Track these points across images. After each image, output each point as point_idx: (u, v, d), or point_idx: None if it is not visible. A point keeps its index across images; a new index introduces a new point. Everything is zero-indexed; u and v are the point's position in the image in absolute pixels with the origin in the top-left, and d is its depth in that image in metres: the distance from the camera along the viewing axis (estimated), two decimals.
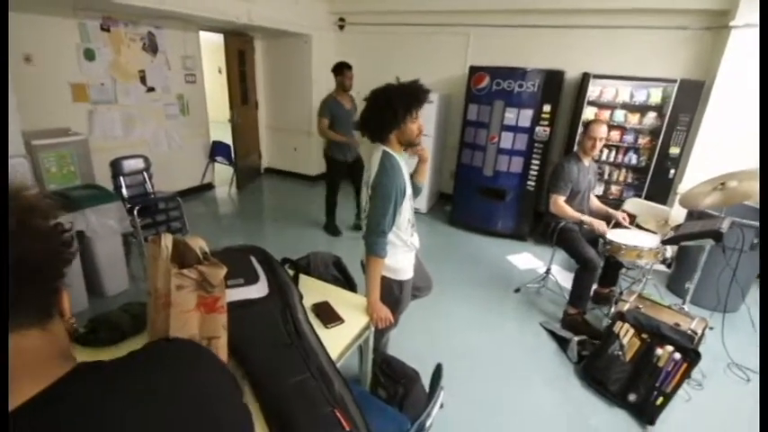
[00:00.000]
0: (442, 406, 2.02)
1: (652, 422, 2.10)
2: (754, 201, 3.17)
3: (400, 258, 1.85)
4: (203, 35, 5.02)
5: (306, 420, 0.98)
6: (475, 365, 2.48)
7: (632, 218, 3.13)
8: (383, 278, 1.79)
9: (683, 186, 3.65)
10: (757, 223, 2.87)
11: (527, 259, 3.91)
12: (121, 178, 3.44)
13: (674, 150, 3.66)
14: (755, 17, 3.33)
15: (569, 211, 2.79)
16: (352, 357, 1.86)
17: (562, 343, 2.66)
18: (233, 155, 5.40)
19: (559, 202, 2.79)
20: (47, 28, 3.56)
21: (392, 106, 1.64)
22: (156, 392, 0.48)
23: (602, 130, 2.70)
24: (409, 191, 1.77)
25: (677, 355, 2.09)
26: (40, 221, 0.45)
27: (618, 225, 2.91)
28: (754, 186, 2.40)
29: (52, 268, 0.46)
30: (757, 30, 3.34)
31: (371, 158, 1.76)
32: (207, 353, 0.60)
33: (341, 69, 3.88)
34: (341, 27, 5.62)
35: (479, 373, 2.43)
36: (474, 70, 4.13)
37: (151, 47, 4.39)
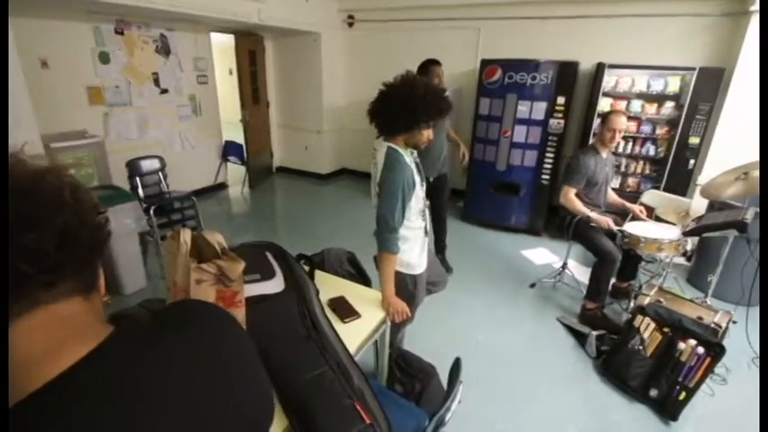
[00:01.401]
0: (459, 401, 2.02)
1: (675, 418, 2.05)
2: None
3: (414, 253, 1.84)
4: (214, 37, 5.07)
5: (325, 413, 0.98)
6: (491, 361, 2.46)
7: (650, 210, 3.06)
8: (397, 273, 1.79)
9: (704, 177, 3.56)
10: None
11: (542, 254, 3.86)
12: (137, 178, 3.49)
13: (694, 140, 3.56)
14: None
15: (578, 204, 2.73)
16: (368, 353, 1.86)
17: (580, 338, 2.61)
18: (245, 154, 5.44)
19: (570, 195, 2.74)
20: (62, 33, 3.63)
21: (414, 111, 1.59)
22: (192, 352, 0.52)
23: (621, 122, 2.64)
24: (417, 182, 1.75)
25: (700, 350, 2.04)
26: (88, 197, 0.49)
27: (635, 218, 2.85)
28: None
29: (95, 243, 0.50)
30: None
31: (377, 155, 1.75)
32: (232, 319, 0.62)
33: (427, 67, 3.16)
34: (350, 24, 5.62)
35: (496, 368, 2.40)
36: (485, 64, 4.08)
37: (164, 49, 4.44)
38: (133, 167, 3.50)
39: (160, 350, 0.49)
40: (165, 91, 4.55)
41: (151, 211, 3.21)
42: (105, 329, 0.49)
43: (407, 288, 1.87)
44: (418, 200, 1.78)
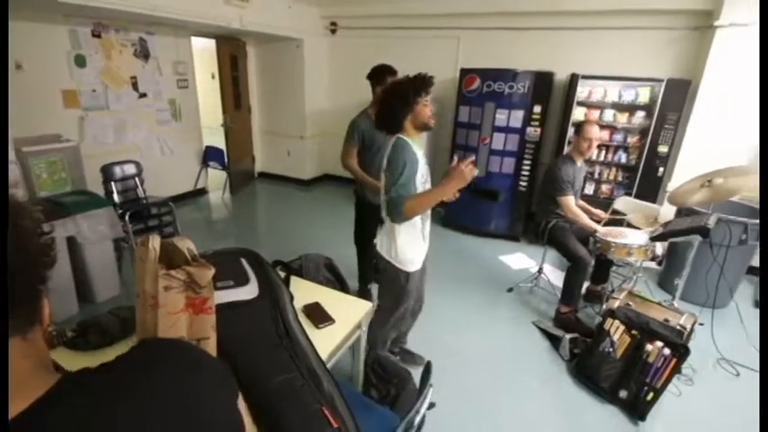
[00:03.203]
0: (434, 405, 2.04)
1: (643, 418, 2.12)
2: (741, 197, 3.22)
3: (410, 249, 1.92)
4: (196, 40, 5.03)
5: (294, 418, 0.99)
6: (468, 364, 2.49)
7: (619, 217, 3.16)
8: (390, 266, 1.92)
9: (672, 184, 3.70)
10: (744, 219, 2.91)
11: (520, 259, 3.93)
12: (113, 184, 3.43)
13: (663, 149, 3.70)
14: (740, 17, 3.39)
15: (585, 218, 2.76)
16: (345, 359, 1.87)
17: (554, 341, 2.67)
18: (226, 159, 5.40)
19: (573, 208, 2.76)
20: (37, 35, 3.56)
21: (402, 94, 1.80)
22: (146, 405, 0.46)
23: (595, 131, 2.73)
24: (420, 169, 1.82)
25: (666, 351, 2.11)
26: (27, 222, 0.43)
27: (609, 223, 2.95)
28: (740, 183, 2.44)
29: (34, 271, 0.44)
30: (741, 29, 3.40)
31: (388, 150, 1.87)
32: (197, 361, 0.56)
33: (382, 76, 2.69)
34: (333, 31, 5.66)
35: (473, 371, 2.44)
36: (464, 73, 4.17)
37: (143, 52, 4.39)
38: (108, 172, 3.44)
39: (107, 414, 0.43)
40: (143, 95, 4.49)
41: (126, 217, 3.16)
42: (46, 379, 0.43)
43: (399, 282, 1.95)
44: (418, 189, 1.83)
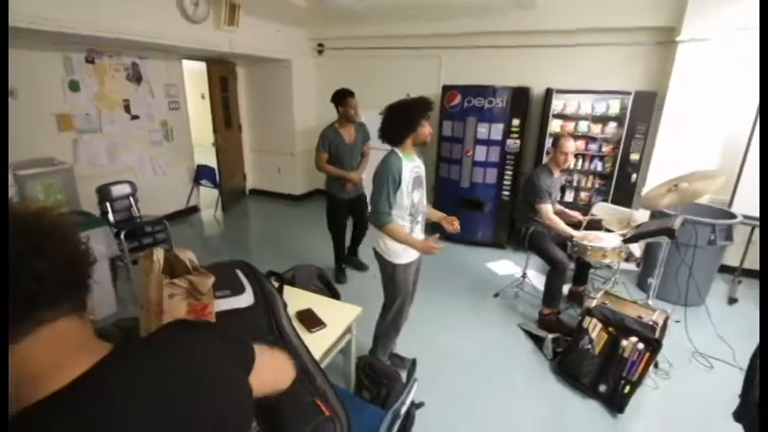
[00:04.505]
0: (422, 404, 2.14)
1: (621, 410, 2.24)
2: (706, 199, 3.42)
3: (396, 244, 2.11)
4: (186, 63, 5.18)
5: (288, 408, 1.09)
6: (457, 366, 2.60)
7: (597, 218, 3.32)
8: (381, 257, 2.16)
9: (646, 189, 3.89)
10: (710, 220, 3.10)
11: (505, 265, 4.07)
12: (108, 204, 3.51)
13: (635, 157, 3.91)
14: (699, 32, 3.65)
15: (561, 225, 2.90)
16: (338, 363, 1.97)
17: (538, 342, 2.80)
18: (218, 178, 5.50)
19: (551, 215, 2.90)
20: (31, 62, 3.66)
21: (407, 114, 2.05)
22: (169, 363, 0.61)
23: (570, 145, 2.91)
24: (406, 181, 2.05)
25: (641, 345, 2.25)
26: (76, 230, 0.59)
27: (588, 227, 3.11)
28: (704, 186, 2.63)
29: (84, 267, 0.58)
30: (702, 43, 3.65)
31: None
32: (201, 330, 0.73)
33: (343, 98, 3.36)
34: (320, 52, 5.86)
35: (461, 373, 2.54)
36: (446, 89, 4.37)
37: (135, 76, 4.52)
38: (103, 193, 3.53)
39: (149, 363, 0.58)
40: (135, 117, 4.60)
41: (122, 236, 3.24)
42: (98, 344, 0.58)
43: (388, 271, 2.17)
44: (403, 198, 2.05)
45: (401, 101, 2.10)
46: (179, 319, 0.82)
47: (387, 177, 2.01)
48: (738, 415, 1.28)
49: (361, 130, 3.54)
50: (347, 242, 3.81)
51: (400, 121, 2.07)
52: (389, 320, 2.30)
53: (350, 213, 3.65)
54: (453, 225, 2.18)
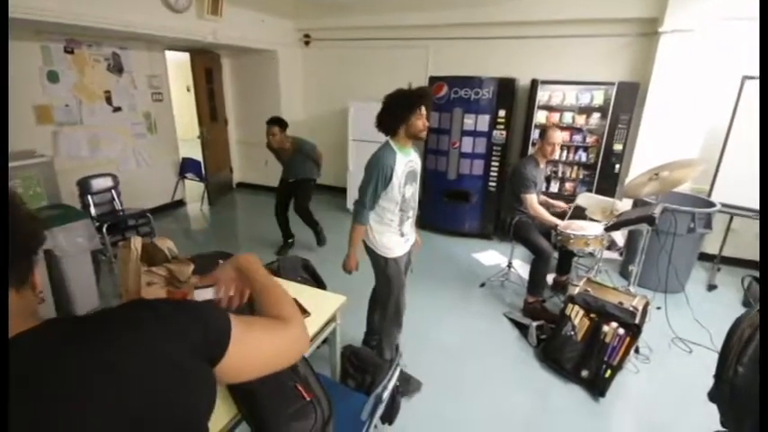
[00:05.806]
0: (421, 385, 2.16)
1: (603, 394, 2.29)
2: (687, 188, 3.49)
3: (386, 237, 2.12)
4: (171, 53, 5.09)
5: (267, 392, 1.10)
6: (443, 355, 2.63)
7: (582, 205, 3.36)
8: (372, 252, 2.16)
9: (629, 179, 3.95)
10: (690, 209, 3.16)
11: (492, 256, 4.11)
12: (89, 197, 3.46)
13: (618, 147, 3.96)
14: (681, 23, 3.69)
15: (546, 215, 2.94)
16: (323, 353, 1.98)
17: (523, 329, 2.84)
18: (203, 171, 5.43)
19: (535, 205, 2.95)
20: (9, 52, 3.56)
21: (400, 104, 1.99)
22: (101, 347, 0.54)
23: (557, 135, 2.94)
24: (398, 176, 2.01)
25: (621, 331, 2.30)
26: (27, 208, 0.58)
27: (572, 217, 3.15)
28: (683, 174, 2.67)
29: (26, 240, 0.56)
30: (684, 34, 3.70)
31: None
32: (159, 304, 0.64)
33: (273, 124, 3.93)
34: (306, 43, 5.80)
35: (447, 362, 2.58)
36: (433, 80, 4.36)
37: (116, 67, 4.43)
38: (84, 186, 3.47)
39: (76, 343, 0.52)
40: (118, 109, 4.51)
41: (104, 229, 3.19)
42: (35, 323, 0.53)
43: (379, 264, 2.18)
44: (394, 191, 2.02)
45: (398, 90, 2.04)
46: (136, 300, 0.78)
47: (377, 172, 1.97)
48: (712, 395, 1.31)
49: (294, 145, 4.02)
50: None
51: (392, 109, 2.01)
52: (391, 316, 2.29)
53: (287, 196, 4.14)
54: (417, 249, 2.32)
